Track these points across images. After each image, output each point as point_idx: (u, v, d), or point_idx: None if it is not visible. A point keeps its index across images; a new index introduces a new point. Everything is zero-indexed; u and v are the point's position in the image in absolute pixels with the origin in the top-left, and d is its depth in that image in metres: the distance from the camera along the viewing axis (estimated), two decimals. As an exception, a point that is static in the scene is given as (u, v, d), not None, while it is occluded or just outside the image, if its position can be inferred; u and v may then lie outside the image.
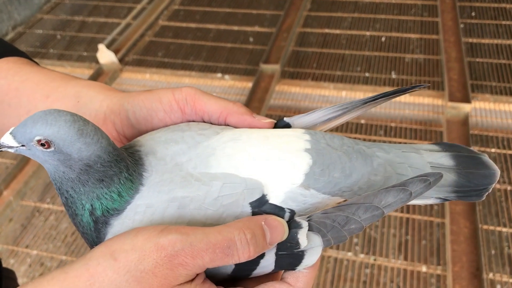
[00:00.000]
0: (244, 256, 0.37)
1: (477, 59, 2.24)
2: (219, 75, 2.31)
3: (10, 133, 0.38)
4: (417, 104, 2.06)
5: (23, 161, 1.94)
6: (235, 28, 2.62)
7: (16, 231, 1.76)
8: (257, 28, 2.60)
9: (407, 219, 1.65)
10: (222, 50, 2.48)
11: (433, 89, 2.09)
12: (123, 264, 0.34)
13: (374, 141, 1.89)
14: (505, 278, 1.46)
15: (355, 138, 1.88)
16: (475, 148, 1.85)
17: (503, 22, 2.43)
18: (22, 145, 0.38)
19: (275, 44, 2.38)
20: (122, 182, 0.39)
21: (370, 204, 0.39)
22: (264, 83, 2.18)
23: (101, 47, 2.35)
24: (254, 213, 0.40)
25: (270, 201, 0.41)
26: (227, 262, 0.36)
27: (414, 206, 1.68)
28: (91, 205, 0.39)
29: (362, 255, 1.56)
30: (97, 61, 2.42)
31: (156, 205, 0.39)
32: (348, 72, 2.24)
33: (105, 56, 2.36)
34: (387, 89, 2.12)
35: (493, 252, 1.53)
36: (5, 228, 1.77)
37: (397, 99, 2.07)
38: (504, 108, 1.99)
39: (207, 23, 2.68)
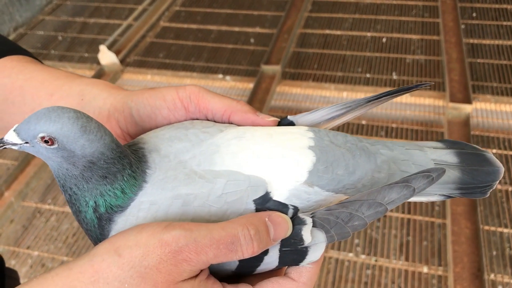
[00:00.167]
0: (248, 252, 0.37)
1: (478, 60, 2.24)
2: (220, 76, 2.31)
3: (14, 130, 0.38)
4: (418, 105, 2.06)
5: (24, 162, 1.94)
6: (236, 29, 2.63)
7: (17, 232, 1.76)
8: (258, 29, 2.60)
9: (408, 219, 1.65)
10: (223, 51, 2.48)
11: (434, 90, 2.09)
12: (127, 260, 0.34)
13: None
14: (506, 279, 1.46)
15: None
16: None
17: (504, 23, 2.43)
18: (26, 142, 0.38)
19: (276, 45, 2.38)
20: (125, 179, 0.39)
21: (374, 200, 0.39)
22: (265, 84, 2.18)
23: (103, 48, 2.35)
24: (257, 210, 0.40)
25: (274, 198, 0.41)
26: (231, 258, 0.36)
27: (415, 206, 1.68)
28: (95, 202, 0.39)
29: (363, 256, 1.56)
30: (98, 62, 2.42)
31: (160, 202, 0.39)
32: (349, 73, 2.24)
33: (107, 57, 2.37)
34: (388, 89, 2.12)
35: (494, 253, 1.53)
36: (6, 229, 1.78)
37: (398, 99, 2.07)
38: (505, 109, 1.99)
39: (208, 24, 2.68)
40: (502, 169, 0.45)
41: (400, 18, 2.56)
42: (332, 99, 2.14)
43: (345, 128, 1.97)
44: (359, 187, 0.43)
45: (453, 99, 1.96)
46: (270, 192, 0.41)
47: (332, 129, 0.49)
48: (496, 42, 2.33)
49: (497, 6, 2.56)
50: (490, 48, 2.30)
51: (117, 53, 2.42)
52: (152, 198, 0.40)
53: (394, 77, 2.20)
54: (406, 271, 1.51)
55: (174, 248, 0.34)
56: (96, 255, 0.35)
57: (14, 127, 0.39)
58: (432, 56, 2.29)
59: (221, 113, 0.46)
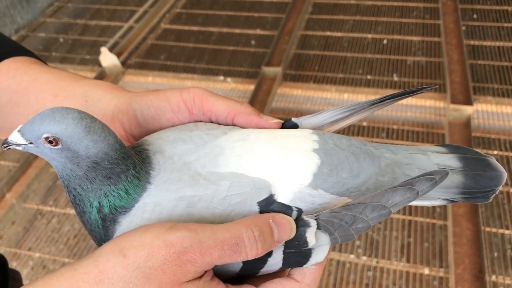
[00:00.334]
0: (252, 253, 0.37)
1: (479, 61, 2.24)
2: (221, 77, 2.32)
3: (18, 131, 0.39)
4: (419, 106, 2.06)
5: (25, 164, 1.95)
6: (237, 31, 2.63)
7: (19, 234, 1.76)
8: (259, 31, 2.60)
9: (409, 221, 1.65)
10: (224, 53, 2.48)
11: (435, 91, 2.10)
12: (132, 260, 0.34)
13: (376, 143, 1.89)
14: (507, 281, 1.46)
15: (357, 140, 1.88)
16: (477, 150, 1.85)
17: (505, 25, 2.44)
18: (30, 143, 0.39)
19: (277, 47, 2.38)
20: (129, 180, 0.40)
21: (377, 203, 0.40)
22: (266, 86, 2.18)
23: (104, 50, 2.35)
24: (262, 212, 0.41)
25: (278, 201, 0.41)
26: (235, 259, 0.36)
27: (416, 207, 1.68)
28: (99, 203, 0.40)
29: (364, 258, 1.56)
30: (99, 64, 2.43)
31: (164, 204, 0.39)
32: (350, 75, 2.25)
33: (108, 59, 2.37)
34: (389, 91, 2.12)
35: (495, 254, 1.53)
36: (7, 231, 1.78)
37: (399, 101, 2.06)
38: (507, 110, 1.99)
39: (209, 26, 2.69)
40: (505, 174, 0.45)
41: (401, 20, 2.56)
42: (333, 100, 2.14)
43: (346, 130, 1.97)
44: (363, 190, 0.44)
45: (454, 101, 1.96)
46: (274, 195, 0.41)
47: (336, 131, 0.49)
48: (497, 43, 2.33)
49: (497, 7, 2.56)
50: (491, 50, 2.30)
51: (118, 55, 2.42)
52: (157, 199, 0.40)
53: (395, 78, 2.20)
54: (407, 272, 1.51)
55: (178, 249, 0.35)
56: (101, 255, 0.35)
57: (18, 127, 0.39)
58: (433, 58, 2.29)
59: (225, 116, 0.46)
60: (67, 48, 2.67)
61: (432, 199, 0.45)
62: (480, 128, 1.93)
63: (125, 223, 0.40)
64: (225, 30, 2.65)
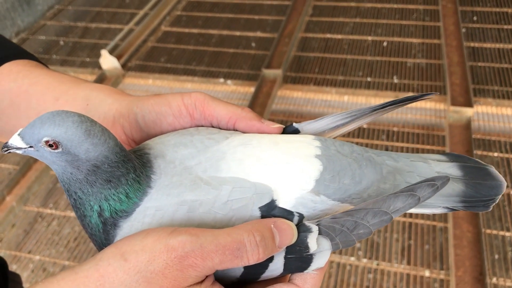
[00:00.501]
0: (253, 258, 0.37)
1: (479, 64, 2.24)
2: (222, 80, 2.32)
3: (18, 135, 0.38)
4: (419, 108, 2.06)
5: (25, 167, 1.95)
6: (237, 33, 2.63)
7: (19, 237, 1.76)
8: (259, 34, 2.60)
9: (410, 223, 1.65)
10: (224, 56, 2.48)
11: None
12: (133, 264, 0.34)
13: (377, 145, 1.89)
14: (508, 283, 1.46)
15: (357, 142, 1.89)
16: (478, 153, 1.85)
17: (505, 27, 2.44)
18: (30, 147, 0.38)
19: (277, 49, 2.38)
20: (129, 183, 0.39)
21: (379, 209, 0.40)
22: (266, 88, 2.18)
23: (104, 52, 2.35)
24: (263, 217, 0.40)
25: (279, 206, 0.41)
26: (236, 264, 0.36)
27: (417, 210, 1.68)
28: (99, 206, 0.40)
29: (365, 260, 1.56)
30: (100, 67, 2.43)
31: (166, 208, 0.39)
32: (350, 77, 2.25)
33: (108, 61, 2.37)
34: (389, 93, 2.12)
35: (496, 256, 1.53)
36: (8, 233, 1.78)
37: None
38: (507, 112, 1.99)
39: (209, 28, 2.69)
40: (505, 183, 0.46)
41: (401, 22, 2.56)
42: (333, 103, 2.14)
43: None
44: (365, 197, 0.44)
45: (454, 103, 1.96)
46: (276, 200, 0.41)
47: (337, 137, 0.50)
48: (497, 45, 2.33)
49: (497, 9, 2.56)
50: (491, 52, 2.30)
51: (118, 57, 2.42)
52: (158, 203, 0.40)
53: (395, 80, 2.20)
54: (408, 275, 1.51)
55: (180, 254, 0.35)
56: (102, 259, 0.35)
57: (19, 131, 0.39)
58: (433, 60, 2.30)
59: (226, 120, 0.46)
60: (68, 50, 2.67)
61: (433, 207, 0.45)
62: (480, 130, 1.93)
63: (126, 227, 0.40)
64: (225, 32, 2.65)
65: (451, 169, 0.46)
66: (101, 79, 2.38)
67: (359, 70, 2.28)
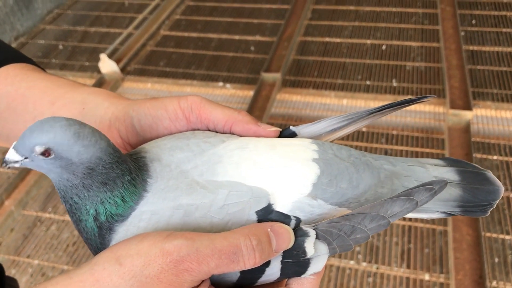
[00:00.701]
0: (249, 262, 0.36)
1: (478, 67, 2.24)
2: (221, 84, 2.32)
3: (13, 148, 0.38)
4: (418, 111, 2.06)
5: (24, 171, 1.94)
6: (237, 37, 2.63)
7: (18, 241, 1.76)
8: (258, 37, 2.61)
9: (410, 227, 1.64)
10: (223, 59, 2.49)
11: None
12: (128, 269, 0.34)
13: (376, 149, 1.89)
14: (508, 287, 1.45)
15: (356, 146, 1.88)
16: (477, 156, 1.85)
17: (504, 30, 2.44)
18: (26, 158, 0.38)
19: (276, 53, 2.38)
20: (125, 186, 0.39)
21: (376, 213, 0.39)
22: (265, 92, 2.18)
23: (103, 56, 2.36)
24: (260, 222, 0.40)
25: (276, 210, 0.41)
26: (232, 268, 0.36)
27: (416, 214, 1.68)
28: (95, 210, 0.39)
29: (364, 264, 1.55)
30: (99, 71, 2.43)
31: (161, 213, 0.39)
32: (349, 80, 2.25)
33: (107, 65, 2.37)
34: (388, 97, 2.12)
35: (496, 260, 1.53)
36: (6, 238, 1.77)
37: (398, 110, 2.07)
38: (506, 115, 1.99)
39: (208, 32, 2.69)
40: (502, 188, 0.45)
41: (400, 26, 2.57)
42: (332, 106, 2.14)
43: (345, 135, 1.96)
44: (362, 201, 0.43)
45: (453, 106, 1.96)
46: (272, 204, 0.41)
47: (334, 140, 0.49)
48: (496, 48, 2.33)
49: (496, 13, 2.57)
50: (490, 55, 2.30)
51: (117, 61, 2.42)
52: (153, 208, 0.39)
53: (394, 84, 2.20)
54: (408, 278, 1.50)
55: (175, 258, 0.34)
56: (97, 263, 0.35)
57: (13, 144, 0.39)
58: (432, 63, 2.30)
59: (223, 124, 0.46)
60: (67, 55, 2.67)
61: (430, 212, 0.45)
62: (479, 133, 1.93)
63: (122, 231, 0.39)
64: (224, 36, 2.65)
65: (448, 173, 0.46)
66: (100, 83, 2.38)
67: (358, 74, 2.28)
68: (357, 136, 1.96)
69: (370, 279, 1.52)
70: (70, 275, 0.35)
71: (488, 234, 1.59)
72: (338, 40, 2.52)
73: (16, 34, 2.82)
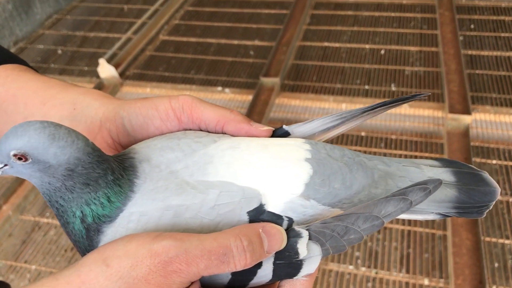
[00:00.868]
0: (240, 263, 0.36)
1: (477, 71, 2.24)
2: (219, 88, 2.32)
3: None
4: (417, 116, 2.05)
5: (23, 176, 1.94)
6: (236, 42, 2.64)
7: (16, 246, 1.75)
8: (257, 42, 2.61)
9: (409, 231, 1.64)
10: (223, 64, 2.49)
11: (433, 101, 2.09)
12: (115, 270, 0.34)
13: (375, 153, 1.88)
14: (509, 291, 1.45)
15: (355, 150, 1.88)
16: (476, 160, 1.85)
17: (502, 34, 2.44)
18: (5, 165, 0.38)
19: (275, 57, 2.38)
20: (109, 186, 0.39)
21: (370, 213, 0.39)
22: (264, 96, 2.18)
23: (102, 61, 2.36)
24: (251, 222, 0.40)
25: (268, 210, 0.40)
26: (223, 270, 0.35)
27: (415, 218, 1.67)
28: (82, 212, 0.39)
29: (363, 269, 1.55)
30: (98, 76, 2.43)
31: (151, 213, 0.39)
32: (348, 85, 2.25)
33: (106, 70, 2.37)
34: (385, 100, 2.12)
35: (496, 265, 1.52)
36: (4, 243, 1.76)
37: (397, 111, 2.07)
38: (505, 120, 1.99)
39: (208, 37, 2.69)
40: (499, 189, 0.45)
41: (399, 30, 2.57)
42: (331, 110, 2.14)
43: (344, 139, 1.96)
44: (356, 202, 0.43)
45: (452, 110, 1.96)
46: (264, 204, 0.40)
47: (329, 140, 0.49)
48: (495, 53, 2.33)
49: (494, 18, 2.57)
50: (489, 60, 2.30)
51: (116, 66, 2.43)
52: (142, 208, 0.39)
53: (393, 88, 2.20)
54: (407, 283, 1.49)
55: (164, 259, 0.34)
56: (84, 265, 0.34)
57: None
58: (430, 68, 2.30)
59: (214, 123, 0.45)
60: (66, 60, 2.67)
61: (425, 213, 0.44)
62: (479, 138, 1.93)
63: (110, 233, 0.39)
64: (223, 41, 2.65)
65: (444, 174, 0.45)
66: (99, 87, 2.38)
67: (357, 78, 2.28)
68: (356, 140, 1.96)
69: (370, 284, 1.51)
70: (57, 277, 0.34)
71: (487, 239, 1.58)
72: (337, 44, 2.52)
73: (15, 39, 2.82)
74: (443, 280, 1.48)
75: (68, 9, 3.14)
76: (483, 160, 1.83)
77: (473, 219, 1.59)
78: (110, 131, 0.47)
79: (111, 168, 0.39)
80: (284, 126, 0.47)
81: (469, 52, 2.36)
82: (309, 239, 0.39)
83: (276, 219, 0.40)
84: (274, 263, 0.39)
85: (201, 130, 0.47)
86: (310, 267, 0.39)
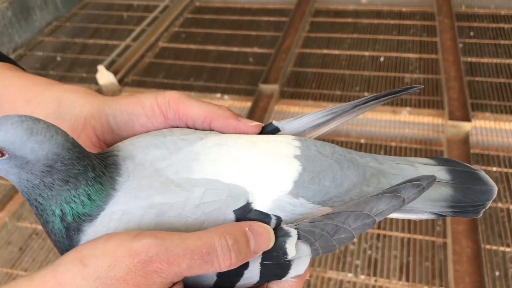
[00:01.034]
0: (225, 263, 0.34)
1: (477, 78, 2.23)
2: (219, 95, 2.31)
3: None
4: (417, 123, 2.04)
5: (20, 182, 1.92)
6: (235, 49, 2.64)
7: (12, 254, 1.74)
8: (256, 49, 2.61)
9: (409, 239, 1.62)
10: (222, 71, 2.48)
11: (433, 108, 2.09)
12: (92, 270, 0.32)
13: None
14: (510, 300, 1.43)
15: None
16: (476, 167, 1.83)
17: (502, 42, 2.44)
18: None
19: (274, 64, 2.38)
20: (90, 184, 0.37)
21: (361, 212, 0.37)
22: (263, 103, 2.18)
23: (101, 68, 2.35)
24: (238, 221, 0.38)
25: (255, 209, 0.39)
26: (206, 270, 0.34)
27: (415, 225, 1.66)
28: (61, 210, 0.37)
29: (363, 276, 1.53)
30: (97, 83, 2.43)
31: (133, 212, 0.37)
32: (348, 92, 2.24)
33: (104, 77, 2.37)
34: (387, 108, 2.11)
35: (497, 273, 1.50)
36: (1, 250, 1.75)
37: (397, 117, 2.06)
38: (505, 127, 1.98)
39: (207, 44, 2.70)
40: (496, 188, 0.43)
41: (398, 38, 2.57)
42: (331, 117, 2.13)
43: (342, 145, 1.95)
44: (347, 200, 0.41)
45: (452, 117, 1.95)
46: (251, 202, 0.39)
47: (320, 137, 0.48)
48: (494, 60, 2.32)
49: (494, 25, 2.57)
50: (489, 67, 2.30)
51: (115, 73, 2.42)
52: (125, 207, 0.37)
53: (393, 95, 2.19)
54: (407, 292, 1.48)
55: (143, 258, 0.32)
56: (60, 264, 0.33)
57: None
58: (430, 75, 2.29)
59: (202, 119, 0.44)
60: (65, 67, 2.67)
61: (419, 212, 0.43)
62: (479, 145, 1.92)
63: (91, 232, 0.37)
64: (223, 48, 2.65)
65: (439, 172, 0.44)
66: (98, 94, 2.37)
67: (357, 85, 2.28)
68: (355, 147, 1.95)
69: (369, 293, 1.49)
70: (31, 277, 0.33)
71: (488, 247, 1.56)
72: (336, 52, 2.51)
73: (15, 46, 2.83)
74: (443, 289, 1.46)
75: (67, 16, 3.15)
76: (483, 167, 1.82)
77: (473, 226, 1.57)
78: (95, 129, 0.46)
79: (92, 165, 0.38)
80: (273, 122, 0.46)
81: (469, 59, 2.35)
82: (298, 238, 0.38)
83: (263, 217, 0.39)
84: (261, 264, 0.38)
85: (188, 128, 0.45)
86: (299, 268, 0.38)
